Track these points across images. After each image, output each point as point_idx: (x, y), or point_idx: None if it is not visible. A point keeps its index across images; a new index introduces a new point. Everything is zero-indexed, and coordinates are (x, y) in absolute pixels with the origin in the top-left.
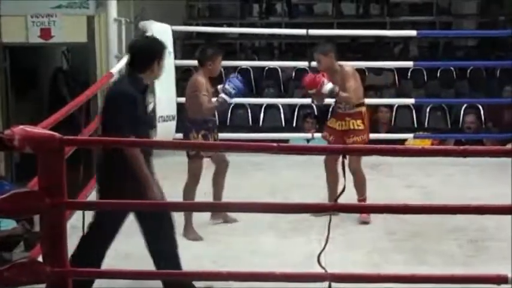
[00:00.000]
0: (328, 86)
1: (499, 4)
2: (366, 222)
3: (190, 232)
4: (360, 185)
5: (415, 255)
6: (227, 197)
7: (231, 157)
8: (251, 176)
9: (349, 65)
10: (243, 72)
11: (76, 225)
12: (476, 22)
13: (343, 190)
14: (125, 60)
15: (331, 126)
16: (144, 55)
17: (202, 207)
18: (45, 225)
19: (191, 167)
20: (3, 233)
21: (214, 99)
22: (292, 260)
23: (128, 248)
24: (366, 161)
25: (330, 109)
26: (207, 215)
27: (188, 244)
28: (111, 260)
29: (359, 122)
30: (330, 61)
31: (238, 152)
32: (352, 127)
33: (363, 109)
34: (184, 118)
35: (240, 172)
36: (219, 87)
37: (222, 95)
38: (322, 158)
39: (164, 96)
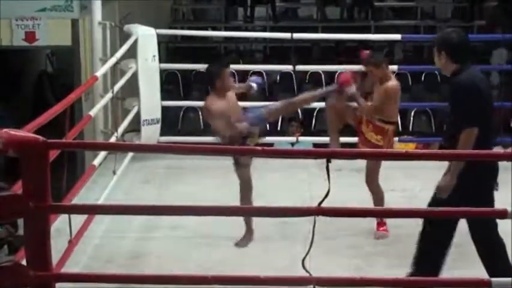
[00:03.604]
0: (351, 89)
1: (479, 9)
2: (382, 237)
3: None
4: (378, 202)
5: (399, 259)
6: (211, 200)
7: (216, 161)
8: (235, 179)
9: (395, 81)
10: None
11: (60, 229)
12: (459, 26)
13: (327, 194)
14: (110, 63)
15: (363, 131)
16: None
17: (184, 210)
18: (29, 229)
19: (240, 175)
20: None
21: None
22: (276, 264)
23: (113, 250)
24: (351, 164)
25: (314, 113)
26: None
27: (172, 247)
28: (96, 263)
29: (379, 137)
30: (382, 72)
31: (223, 155)
32: (370, 139)
33: (388, 127)
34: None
35: (224, 175)
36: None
37: (245, 124)
38: (306, 161)
39: (149, 99)
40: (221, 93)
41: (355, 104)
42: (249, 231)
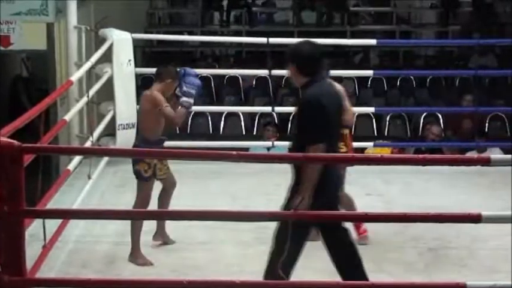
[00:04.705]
0: None
1: (454, 14)
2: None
3: (138, 257)
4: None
5: (375, 263)
6: (187, 205)
7: (191, 165)
8: (211, 184)
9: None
10: (204, 80)
11: (35, 234)
12: (434, 31)
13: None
14: (85, 67)
15: None
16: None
17: (158, 215)
18: (3, 234)
19: (142, 191)
20: None
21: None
22: (253, 269)
23: (88, 255)
24: None
25: (290, 118)
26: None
27: (148, 252)
28: (71, 268)
29: (341, 144)
30: None
31: (198, 160)
32: None
33: (346, 131)
34: (137, 137)
35: (199, 180)
36: (177, 91)
37: (184, 98)
38: (282, 166)
39: (124, 104)
40: (161, 91)
41: None
42: (135, 247)
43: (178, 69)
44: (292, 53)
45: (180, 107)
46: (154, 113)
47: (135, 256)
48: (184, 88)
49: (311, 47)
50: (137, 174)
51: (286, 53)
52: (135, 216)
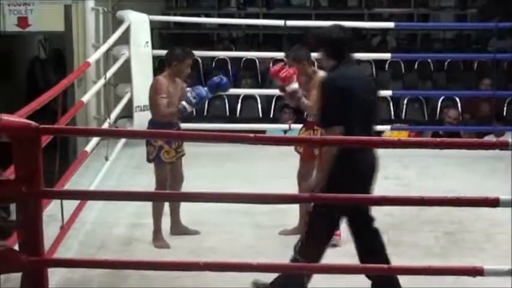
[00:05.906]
0: (292, 85)
1: None
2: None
3: (158, 239)
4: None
5: (392, 246)
6: (203, 187)
7: (208, 147)
8: (227, 166)
9: (322, 73)
10: (221, 62)
11: (53, 215)
12: (453, 15)
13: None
14: (103, 49)
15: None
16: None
17: (175, 196)
18: (21, 214)
19: (156, 174)
20: None
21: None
22: (268, 251)
23: (105, 236)
24: None
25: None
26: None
27: (164, 234)
28: (88, 249)
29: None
30: (303, 68)
31: (215, 142)
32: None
33: None
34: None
35: (216, 163)
36: (188, 89)
37: (183, 103)
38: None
39: (141, 86)
40: (172, 76)
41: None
42: (157, 230)
43: (218, 77)
44: (321, 36)
45: (178, 106)
46: (152, 98)
47: (155, 238)
48: (190, 96)
49: (340, 31)
50: (146, 156)
51: (317, 36)
52: (152, 198)
